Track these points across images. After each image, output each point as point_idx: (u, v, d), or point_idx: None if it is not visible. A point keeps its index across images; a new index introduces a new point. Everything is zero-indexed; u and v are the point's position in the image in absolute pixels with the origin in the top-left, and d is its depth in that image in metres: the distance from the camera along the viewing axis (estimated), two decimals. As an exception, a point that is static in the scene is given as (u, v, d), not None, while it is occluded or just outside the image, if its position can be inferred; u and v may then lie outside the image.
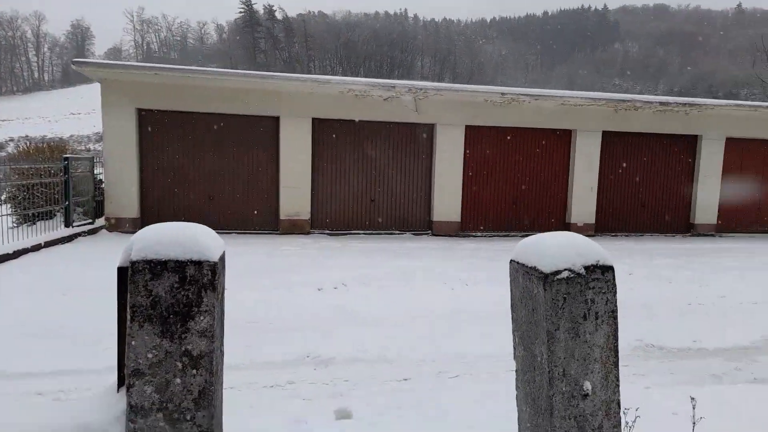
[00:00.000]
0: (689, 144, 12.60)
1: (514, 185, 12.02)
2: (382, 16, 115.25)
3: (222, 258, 1.89)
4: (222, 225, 10.65)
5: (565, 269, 1.91)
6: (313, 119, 10.94)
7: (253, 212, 10.98)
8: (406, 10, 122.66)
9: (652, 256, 9.55)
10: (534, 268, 1.96)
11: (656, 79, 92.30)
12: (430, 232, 11.73)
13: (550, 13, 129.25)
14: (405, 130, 11.50)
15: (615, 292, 1.98)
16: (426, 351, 4.58)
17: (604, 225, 12.41)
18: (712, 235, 12.60)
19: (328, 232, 11.26)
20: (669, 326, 5.60)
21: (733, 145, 12.67)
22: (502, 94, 10.70)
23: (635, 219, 12.62)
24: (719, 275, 8.07)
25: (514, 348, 2.20)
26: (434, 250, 9.62)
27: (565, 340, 1.92)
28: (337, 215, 11.37)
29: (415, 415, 3.35)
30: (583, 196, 12.10)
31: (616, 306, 1.98)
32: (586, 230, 12.09)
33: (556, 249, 1.95)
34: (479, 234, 11.85)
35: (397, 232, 11.67)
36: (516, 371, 2.21)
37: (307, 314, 5.54)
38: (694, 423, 2.35)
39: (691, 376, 4.33)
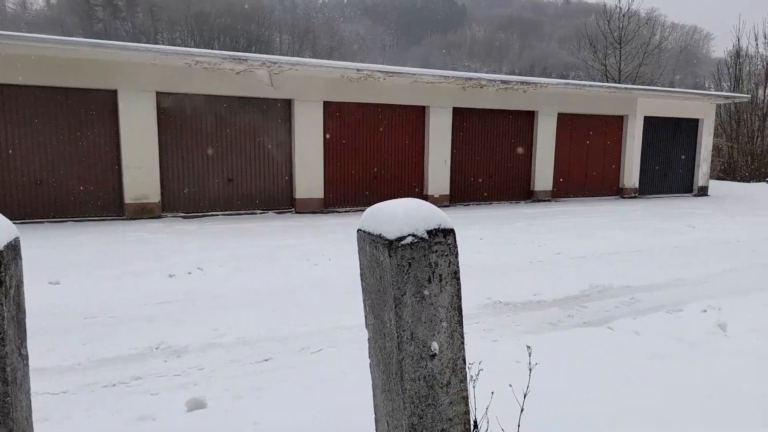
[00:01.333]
0: (528, 119, 13.82)
1: (374, 160, 12.23)
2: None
3: (12, 246, 1.58)
4: (56, 212, 9.41)
5: (409, 234, 1.91)
6: (159, 93, 10.04)
7: (92, 196, 9.85)
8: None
9: (498, 222, 10.36)
10: (380, 236, 1.94)
11: (500, 62, 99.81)
12: (293, 209, 11.53)
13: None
14: (262, 105, 11.07)
15: (456, 254, 2.03)
16: (288, 329, 4.48)
17: (458, 195, 13.21)
18: (549, 200, 14.05)
19: (182, 215, 10.52)
20: (514, 283, 6.11)
21: (564, 119, 14.16)
22: (358, 70, 10.74)
23: (486, 188, 13.60)
24: (554, 235, 9.00)
25: (366, 316, 2.19)
26: (297, 228, 9.46)
27: (412, 304, 1.94)
28: (192, 197, 10.66)
29: (277, 394, 3.25)
30: (438, 169, 12.73)
31: (458, 267, 2.04)
32: (441, 201, 12.77)
33: (400, 215, 1.94)
34: (343, 210, 11.92)
35: (259, 211, 11.29)
36: (368, 339, 2.20)
37: (156, 302, 5.11)
38: (530, 369, 2.54)
39: (533, 326, 4.76)
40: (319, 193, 11.52)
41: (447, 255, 2.00)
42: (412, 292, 1.93)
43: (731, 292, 5.63)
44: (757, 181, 21.45)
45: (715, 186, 17.71)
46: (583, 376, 3.47)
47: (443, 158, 12.77)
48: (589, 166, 14.88)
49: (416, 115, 12.52)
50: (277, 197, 11.46)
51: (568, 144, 14.38)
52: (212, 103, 10.63)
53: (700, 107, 15.89)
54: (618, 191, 15.29)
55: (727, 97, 16.60)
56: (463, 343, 2.08)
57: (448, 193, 12.95)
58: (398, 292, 1.90)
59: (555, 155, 14.13)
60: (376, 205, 2.10)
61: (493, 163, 13.61)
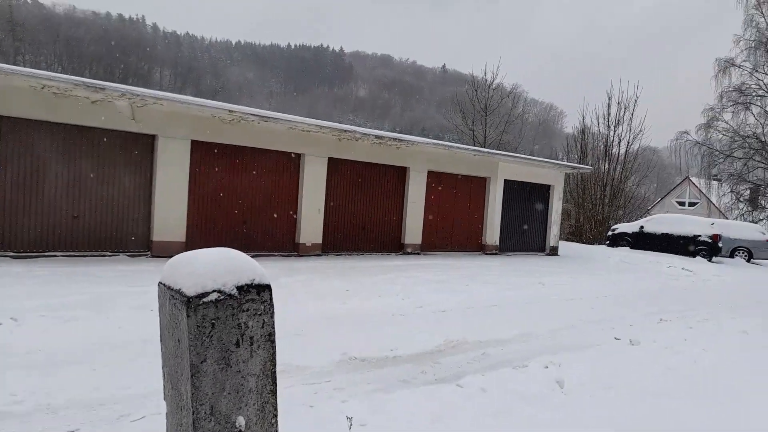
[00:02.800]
0: (401, 174, 14.28)
1: (245, 205, 11.74)
2: (116, 18, 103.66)
3: None
4: None
5: (214, 290, 1.67)
6: (-4, 116, 8.84)
7: None
8: (144, 16, 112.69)
9: (368, 273, 10.33)
10: (179, 291, 1.67)
11: (383, 119, 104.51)
12: (149, 253, 10.56)
13: (293, 46, 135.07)
14: (121, 139, 10.19)
15: (272, 314, 1.82)
16: (107, 392, 3.87)
17: (331, 245, 13.07)
18: (418, 254, 14.43)
19: (11, 254, 9.13)
20: (374, 337, 5.98)
21: (433, 177, 14.84)
22: (230, 111, 10.38)
23: (358, 239, 13.63)
24: (419, 288, 9.14)
25: (164, 386, 1.87)
26: (147, 273, 8.61)
27: (214, 373, 1.67)
28: (28, 233, 9.33)
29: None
30: (312, 217, 12.55)
31: (273, 329, 1.83)
32: (314, 249, 12.53)
33: (204, 267, 1.70)
34: (205, 256, 11.16)
35: (109, 252, 10.18)
36: (166, 414, 1.87)
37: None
38: None
39: (385, 384, 4.62)
40: (180, 236, 10.71)
41: (261, 314, 1.78)
42: (215, 358, 1.67)
43: (571, 347, 6.00)
44: (598, 244, 24.08)
45: (565, 246, 19.53)
46: (426, 439, 3.36)
47: (317, 207, 12.65)
48: (455, 223, 15.64)
49: (291, 162, 12.35)
50: (131, 239, 10.44)
51: (436, 200, 15.05)
52: (61, 132, 9.58)
53: (552, 175, 17.64)
54: (481, 247, 16.20)
55: (573, 167, 18.65)
56: (276, 416, 1.84)
57: (320, 242, 12.77)
58: (197, 359, 1.63)
59: (425, 210, 14.68)
60: (181, 254, 1.84)
61: (367, 215, 13.76)
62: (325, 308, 7.14)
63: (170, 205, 10.61)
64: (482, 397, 4.21)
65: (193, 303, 1.61)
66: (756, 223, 28.06)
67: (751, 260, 20.10)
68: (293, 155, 12.34)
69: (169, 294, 1.74)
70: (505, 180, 16.37)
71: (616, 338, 6.73)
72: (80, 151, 9.82)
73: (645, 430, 3.49)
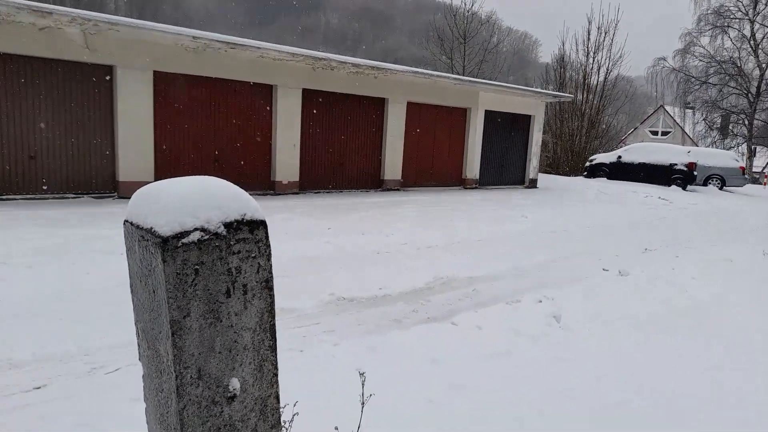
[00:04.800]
0: (379, 106, 13.72)
1: (215, 142, 11.14)
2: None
3: None
4: None
5: (196, 228, 1.32)
6: (-75, 44, 7.92)
7: None
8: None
9: (348, 211, 10.04)
10: (150, 231, 1.32)
11: (354, 50, 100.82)
12: (116, 194, 10.01)
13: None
14: (75, 70, 9.37)
15: (269, 255, 1.49)
16: (79, 343, 3.57)
17: (308, 182, 12.65)
18: (398, 190, 14.14)
19: (-37, 199, 8.50)
20: (361, 276, 5.76)
21: (413, 109, 14.31)
22: (194, 37, 9.57)
23: (336, 176, 13.22)
24: (403, 224, 8.91)
25: (138, 345, 1.56)
26: (114, 216, 8.14)
27: (200, 329, 1.36)
28: (-23, 177, 8.67)
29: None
30: (287, 154, 12.04)
31: (271, 273, 1.51)
32: (290, 188, 12.12)
33: (182, 200, 1.34)
34: (177, 195, 10.66)
35: (71, 195, 9.60)
36: (143, 377, 1.57)
37: None
38: (362, 403, 2.10)
39: (377, 325, 4.42)
40: (147, 175, 10.13)
41: (255, 257, 1.45)
42: (201, 311, 1.35)
43: (561, 280, 5.89)
44: (575, 175, 24.15)
45: (543, 178, 19.48)
46: (428, 382, 3.17)
47: (292, 142, 12.11)
48: (435, 157, 15.30)
49: (263, 95, 11.65)
50: (95, 180, 9.84)
51: (416, 134, 14.60)
52: (8, 64, 8.71)
53: (532, 104, 17.25)
54: (461, 182, 15.98)
55: (554, 96, 18.26)
56: (276, 375, 1.56)
57: (297, 179, 12.33)
58: (177, 313, 1.31)
59: (404, 144, 14.25)
60: (152, 184, 1.47)
61: (345, 150, 13.28)
62: (307, 248, 6.86)
63: (135, 142, 9.96)
64: (479, 336, 4.05)
65: (170, 245, 1.27)
66: (728, 150, 28.46)
67: (724, 188, 20.46)
68: (265, 86, 11.63)
69: (137, 234, 1.39)
70: (485, 111, 15.94)
71: (604, 269, 6.67)
72: (32, 85, 9.00)
73: (650, 367, 3.37)
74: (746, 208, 15.62)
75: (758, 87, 33.31)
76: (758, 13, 32.65)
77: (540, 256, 7.30)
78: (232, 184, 1.48)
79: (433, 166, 15.31)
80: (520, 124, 17.32)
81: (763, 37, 33.00)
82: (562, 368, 3.34)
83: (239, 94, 11.29)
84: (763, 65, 33.21)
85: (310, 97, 12.31)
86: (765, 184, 28.25)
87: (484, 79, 20.01)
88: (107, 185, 9.99)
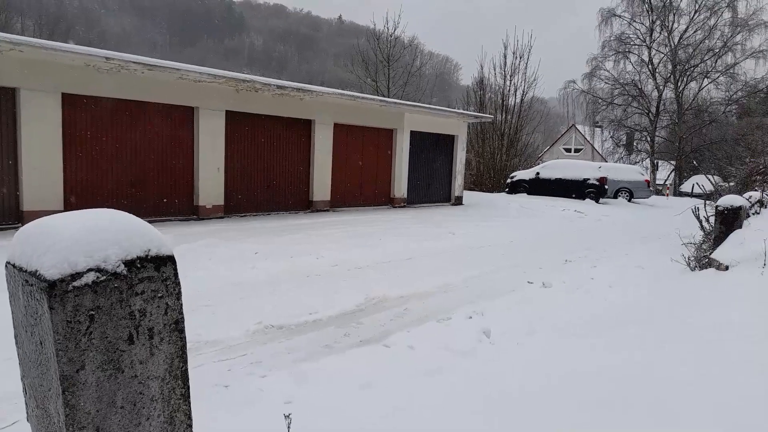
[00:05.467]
0: (306, 128, 13.61)
1: (132, 166, 10.56)
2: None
3: None
4: None
5: (90, 269, 1.18)
6: None
7: None
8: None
9: (277, 233, 9.80)
10: (35, 274, 1.17)
11: (279, 72, 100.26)
12: (20, 224, 9.20)
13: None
14: (-32, 92, 8.60)
15: (179, 294, 1.37)
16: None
17: (234, 206, 12.26)
18: (327, 210, 14.03)
19: None
20: (290, 302, 5.59)
21: (340, 130, 14.32)
22: (107, 58, 9.09)
23: (263, 198, 12.91)
24: (332, 245, 8.80)
25: (26, 404, 1.37)
26: None
27: (98, 383, 1.21)
28: None
29: None
30: (211, 177, 11.63)
31: (181, 314, 1.38)
32: (215, 212, 11.69)
33: (73, 237, 1.20)
34: (90, 224, 9.96)
35: (-34, 229, 8.73)
36: (33, 440, 1.38)
37: None
38: None
39: (308, 352, 4.28)
40: (56, 203, 9.41)
41: (162, 297, 1.32)
42: (98, 362, 1.20)
43: (489, 295, 6.02)
44: (498, 191, 25.08)
45: (468, 195, 20.05)
46: (361, 409, 3.08)
47: (216, 165, 11.71)
48: (364, 177, 15.36)
49: (184, 117, 11.22)
50: (-5, 210, 9.02)
51: (344, 154, 14.61)
52: None
53: (455, 125, 17.80)
54: (390, 201, 16.12)
55: (476, 117, 18.96)
56: (190, 426, 1.42)
57: (222, 203, 11.92)
58: (69, 367, 1.16)
59: (332, 165, 14.20)
60: (40, 219, 1.32)
61: (272, 173, 13.03)
62: (233, 274, 6.60)
63: (41, 169, 9.25)
64: (411, 356, 4.02)
65: (58, 290, 1.13)
66: (634, 164, 30.67)
67: (632, 199, 21.96)
68: (186, 108, 11.22)
69: (21, 278, 1.22)
70: (411, 131, 16.24)
71: (529, 282, 6.89)
72: None
73: (576, 372, 3.47)
74: (652, 218, 16.82)
75: (657, 107, 36.34)
76: (654, 41, 35.80)
77: (468, 272, 7.44)
78: (134, 218, 1.35)
79: (362, 186, 15.35)
80: (444, 143, 17.79)
81: (660, 62, 36.16)
82: (493, 383, 3.36)
83: (158, 116, 10.81)
84: (661, 87, 36.33)
85: (234, 119, 12.01)
86: (667, 195, 30.63)
87: (408, 100, 20.43)
88: (10, 215, 9.18)
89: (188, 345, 4.24)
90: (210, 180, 11.60)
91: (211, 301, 5.44)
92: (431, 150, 17.32)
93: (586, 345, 4.07)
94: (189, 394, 1.37)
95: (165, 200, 11.04)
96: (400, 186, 16.14)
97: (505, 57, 28.34)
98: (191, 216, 11.47)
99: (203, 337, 4.42)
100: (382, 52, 28.99)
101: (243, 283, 6.28)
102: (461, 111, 19.27)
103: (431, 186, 17.55)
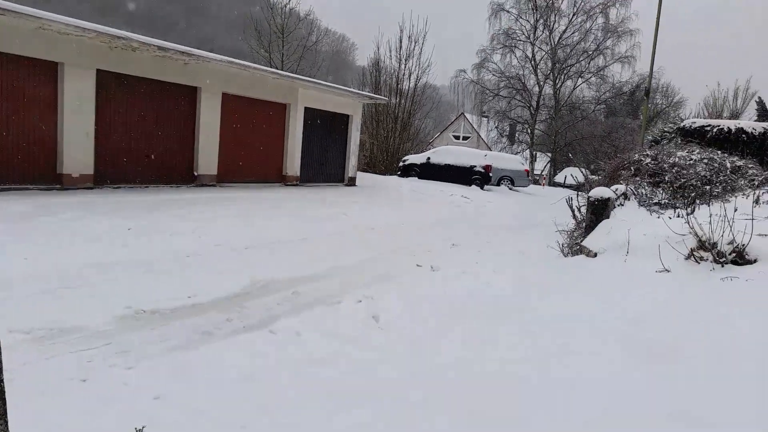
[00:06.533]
0: (191, 95, 12.64)
1: (-23, 125, 9.10)
2: None
3: None
4: None
5: None
6: None
7: None
8: None
9: (155, 209, 9.02)
10: None
11: (164, 36, 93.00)
12: None
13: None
14: None
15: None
16: None
17: (106, 176, 11.09)
18: (214, 185, 13.24)
19: None
20: (166, 284, 5.13)
21: (229, 101, 13.51)
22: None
23: (141, 170, 11.83)
24: (217, 223, 8.28)
25: None
26: None
27: None
28: None
29: None
30: (78, 143, 10.38)
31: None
32: (83, 181, 10.50)
33: None
34: None
35: None
36: None
37: None
38: None
39: (185, 339, 3.93)
40: None
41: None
42: None
43: (380, 278, 5.99)
44: (390, 174, 25.42)
45: (361, 177, 20.07)
46: (241, 403, 2.85)
47: (85, 130, 10.47)
48: (254, 152, 14.68)
49: (46, 73, 9.85)
50: None
51: (234, 127, 13.82)
52: None
53: (351, 104, 17.62)
54: (282, 178, 15.61)
55: (371, 98, 18.91)
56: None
57: (92, 172, 10.71)
58: None
59: (220, 138, 13.37)
60: None
61: (152, 142, 11.94)
62: (101, 253, 5.92)
63: None
64: (298, 343, 3.84)
65: None
66: (515, 154, 32.69)
67: (513, 188, 23.37)
68: (48, 64, 9.86)
69: None
70: (305, 108, 15.78)
71: (418, 265, 6.98)
72: None
73: (462, 358, 3.51)
74: (531, 205, 18.02)
75: (537, 101, 38.94)
76: (537, 38, 38.15)
77: (360, 255, 7.37)
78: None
79: (253, 161, 14.67)
80: (339, 123, 17.55)
81: (541, 59, 38.66)
82: (380, 372, 3.29)
83: (13, 71, 9.39)
84: (541, 83, 38.91)
85: (108, 80, 10.79)
86: (543, 185, 33.08)
87: (303, 76, 19.83)
88: None
89: (41, 333, 3.70)
90: (76, 145, 10.36)
91: (72, 282, 4.82)
92: (326, 128, 17.01)
93: (471, 330, 4.15)
94: (5, 411, 1.08)
95: (21, 166, 9.68)
96: (293, 163, 15.69)
97: (400, 41, 28.56)
98: (54, 185, 10.19)
99: (60, 324, 3.89)
100: (276, 22, 27.87)
101: (112, 263, 5.66)
102: (357, 91, 19.11)
103: (325, 165, 17.28)
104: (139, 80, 11.41)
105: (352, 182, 18.13)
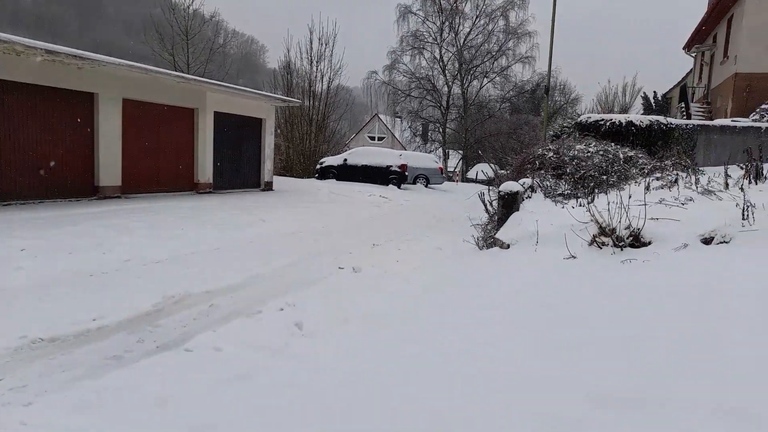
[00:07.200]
0: (87, 102, 11.78)
1: None
2: None
3: None
4: None
5: None
6: None
7: None
8: None
9: (51, 226, 8.29)
10: None
11: (55, 39, 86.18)
12: None
13: None
14: None
15: None
16: None
17: (-9, 193, 10.07)
18: (118, 197, 12.42)
19: None
20: (67, 307, 4.72)
21: (131, 107, 12.73)
22: None
23: (34, 184, 10.84)
24: (124, 237, 7.77)
25: None
26: None
27: None
28: None
29: None
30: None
31: None
32: (-38, 202, 9.46)
33: None
34: None
35: None
36: None
37: None
38: None
39: (89, 367, 3.63)
40: None
41: None
42: None
43: (302, 284, 5.88)
44: (308, 177, 25.16)
45: (278, 181, 19.69)
46: (158, 429, 2.68)
47: (-39, 143, 9.45)
48: (162, 160, 13.94)
49: None
50: None
51: (137, 134, 13.03)
52: None
53: (263, 108, 17.22)
54: (194, 186, 14.95)
55: (284, 101, 18.60)
56: None
57: (-27, 190, 9.69)
58: None
59: (123, 146, 12.56)
60: None
61: (46, 153, 10.97)
62: (-13, 277, 5.36)
63: None
64: (217, 360, 3.67)
65: None
66: (429, 153, 33.50)
67: (428, 185, 23.93)
68: None
69: None
70: (215, 112, 15.23)
71: (340, 268, 6.93)
72: None
73: (384, 360, 3.52)
74: (446, 202, 18.54)
75: (447, 101, 40.18)
76: (444, 40, 39.35)
77: (280, 261, 7.21)
78: None
79: (161, 170, 13.93)
80: (252, 127, 17.11)
81: (449, 60, 39.93)
82: (306, 383, 3.22)
83: None
84: (450, 83, 40.20)
85: (-12, 87, 9.80)
86: (457, 181, 34.19)
87: (212, 79, 19.14)
88: None
89: None
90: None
91: (-47, 314, 4.31)
92: (238, 133, 16.51)
93: (391, 333, 4.16)
94: None
95: None
96: (205, 170, 15.08)
97: (311, 43, 28.39)
98: (-74, 206, 9.10)
99: (-60, 363, 3.46)
100: (179, 24, 26.68)
101: (4, 288, 5.13)
102: (269, 94, 18.71)
103: (239, 171, 16.78)
104: (27, 87, 10.47)
105: (269, 187, 17.74)
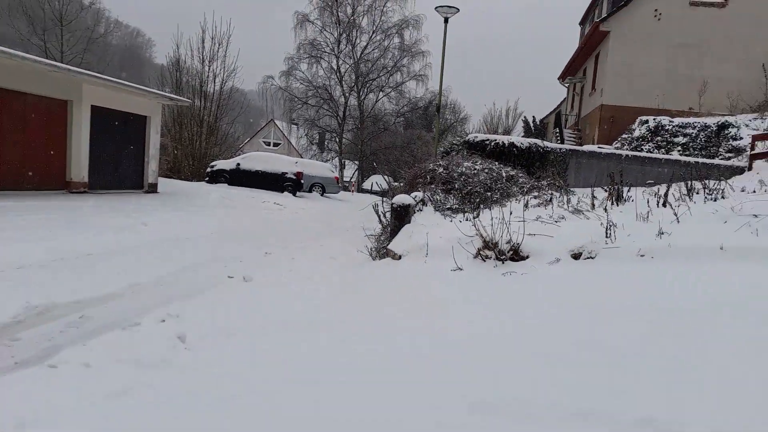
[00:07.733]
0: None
1: None
2: None
3: None
4: None
5: None
6: None
7: None
8: None
9: None
10: None
11: None
12: None
13: None
14: None
15: None
16: None
17: None
18: (-30, 196, 10.94)
19: None
20: None
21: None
22: None
23: None
24: (-25, 242, 6.86)
25: None
26: None
27: None
28: None
29: None
30: None
31: None
32: None
33: None
34: None
35: None
36: None
37: None
38: None
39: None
40: None
41: None
42: None
43: (187, 293, 5.59)
44: (198, 180, 23.97)
45: (164, 183, 18.54)
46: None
47: None
48: (27, 155, 12.53)
49: None
50: None
51: (-3, 125, 11.63)
52: None
53: (148, 105, 16.17)
54: (66, 185, 13.60)
55: (171, 99, 17.61)
56: None
57: None
58: None
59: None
60: None
61: None
62: None
63: None
64: (87, 377, 3.36)
65: None
66: (325, 162, 33.49)
67: (324, 194, 23.89)
68: None
69: None
70: (92, 106, 14.02)
71: (229, 276, 6.68)
72: None
73: (273, 375, 3.46)
74: (341, 211, 18.63)
75: (344, 112, 40.54)
76: (341, 51, 39.70)
77: (164, 268, 6.78)
78: None
79: (26, 165, 12.53)
80: (135, 124, 15.99)
81: (346, 72, 40.33)
82: (188, 400, 3.06)
83: None
84: (347, 94, 40.60)
85: None
86: (352, 191, 34.53)
87: (90, 70, 17.64)
88: None
89: None
90: None
91: None
92: (120, 130, 15.35)
93: (281, 346, 4.08)
94: None
95: None
96: (79, 168, 13.80)
97: (203, 41, 27.23)
98: None
99: None
100: (52, 8, 24.29)
101: None
102: (155, 91, 17.61)
103: (119, 170, 15.57)
104: None
105: (153, 189, 16.65)
